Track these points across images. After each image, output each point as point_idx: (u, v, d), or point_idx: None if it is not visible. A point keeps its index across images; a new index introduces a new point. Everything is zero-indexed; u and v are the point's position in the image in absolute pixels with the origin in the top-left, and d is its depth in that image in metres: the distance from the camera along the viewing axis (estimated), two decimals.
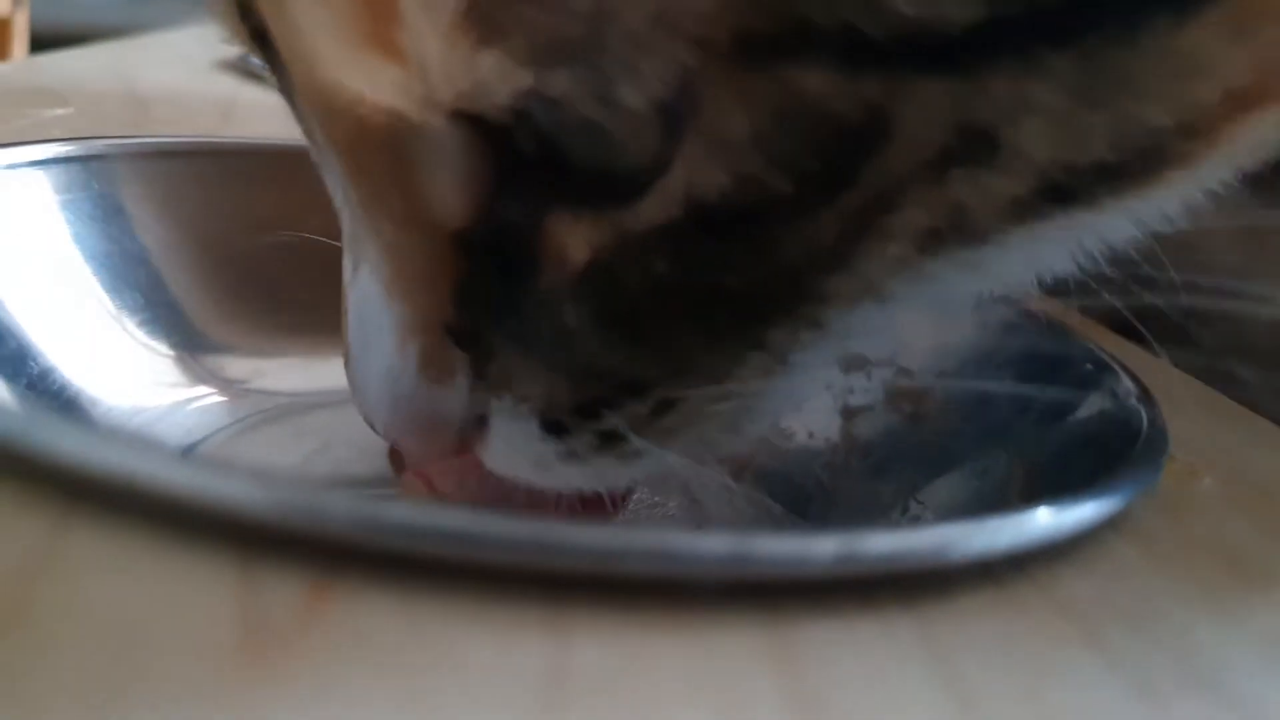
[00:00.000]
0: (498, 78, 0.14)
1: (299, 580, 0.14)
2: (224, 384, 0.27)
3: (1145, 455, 0.21)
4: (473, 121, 0.15)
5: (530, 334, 0.17)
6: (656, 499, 0.29)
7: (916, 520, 0.27)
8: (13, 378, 0.22)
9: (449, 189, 0.16)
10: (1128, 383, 0.25)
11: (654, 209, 0.15)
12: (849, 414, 0.31)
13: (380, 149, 0.16)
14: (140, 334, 0.26)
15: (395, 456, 0.28)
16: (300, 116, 0.18)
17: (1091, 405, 0.25)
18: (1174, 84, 0.15)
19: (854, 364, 0.32)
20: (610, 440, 0.18)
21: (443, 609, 0.14)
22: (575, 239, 0.16)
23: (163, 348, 0.27)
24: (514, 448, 0.19)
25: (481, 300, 0.18)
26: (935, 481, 0.27)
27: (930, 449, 0.28)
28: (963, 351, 0.30)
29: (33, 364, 0.23)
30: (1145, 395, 0.24)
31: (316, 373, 0.30)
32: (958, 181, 0.16)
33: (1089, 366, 0.26)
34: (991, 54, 0.14)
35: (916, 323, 0.32)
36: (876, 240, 0.16)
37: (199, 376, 0.27)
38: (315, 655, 0.13)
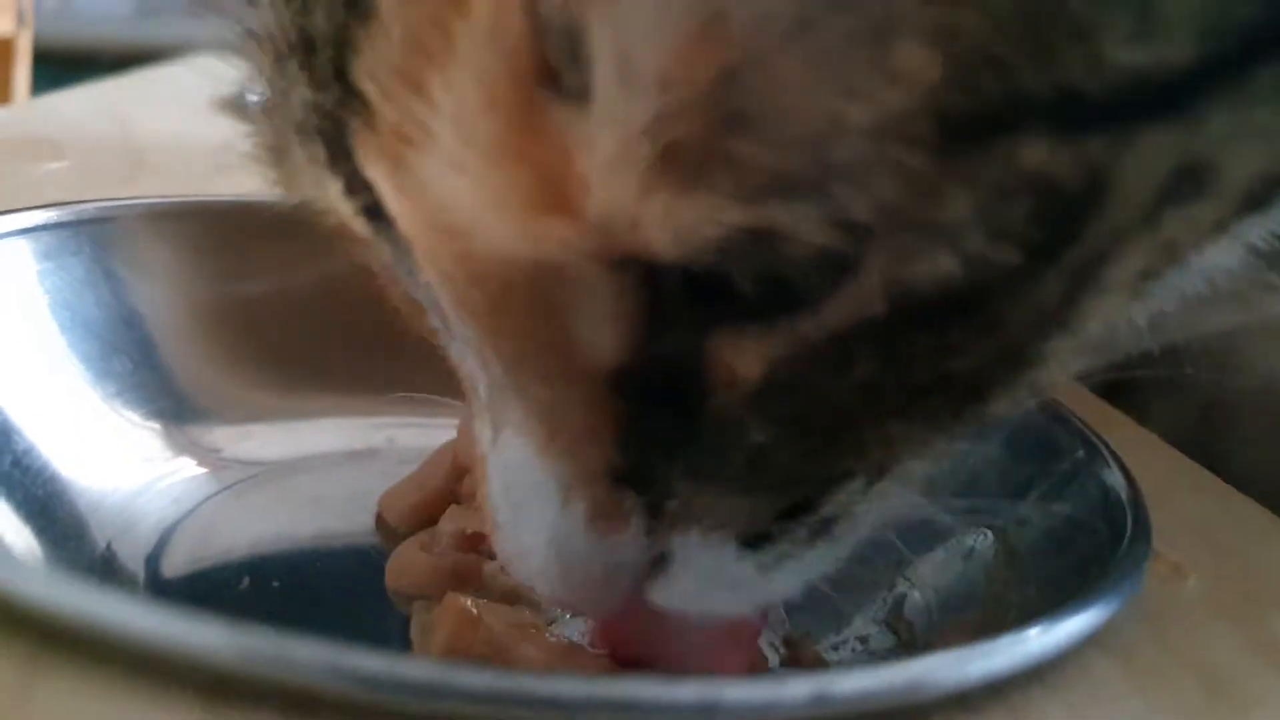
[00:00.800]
0: (703, 221, 0.14)
1: None
2: (207, 453, 0.27)
3: (1127, 564, 0.21)
4: (631, 265, 0.15)
5: (712, 462, 0.17)
6: None
7: (902, 600, 0.27)
8: None
9: (601, 332, 0.16)
10: (1117, 474, 0.24)
11: (843, 310, 0.15)
12: None
13: (529, 307, 0.16)
14: (120, 405, 0.26)
15: (381, 521, 0.28)
16: (414, 286, 0.17)
17: (1079, 495, 0.25)
18: None
19: None
20: (823, 528, 0.18)
21: None
22: (744, 356, 0.16)
23: (142, 419, 0.27)
24: (704, 576, 0.18)
25: (648, 440, 0.17)
26: (922, 559, 0.27)
27: (918, 523, 0.28)
28: None
29: (16, 442, 0.23)
30: (1134, 491, 0.24)
31: (300, 436, 0.30)
32: (1171, 220, 0.16)
33: (1080, 453, 0.26)
34: (1208, 88, 0.14)
35: None
36: (1096, 295, 0.16)
37: (180, 446, 0.27)
38: None
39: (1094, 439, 0.26)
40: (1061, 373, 0.17)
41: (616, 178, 0.14)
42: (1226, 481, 0.28)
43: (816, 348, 0.16)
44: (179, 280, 0.29)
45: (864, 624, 0.26)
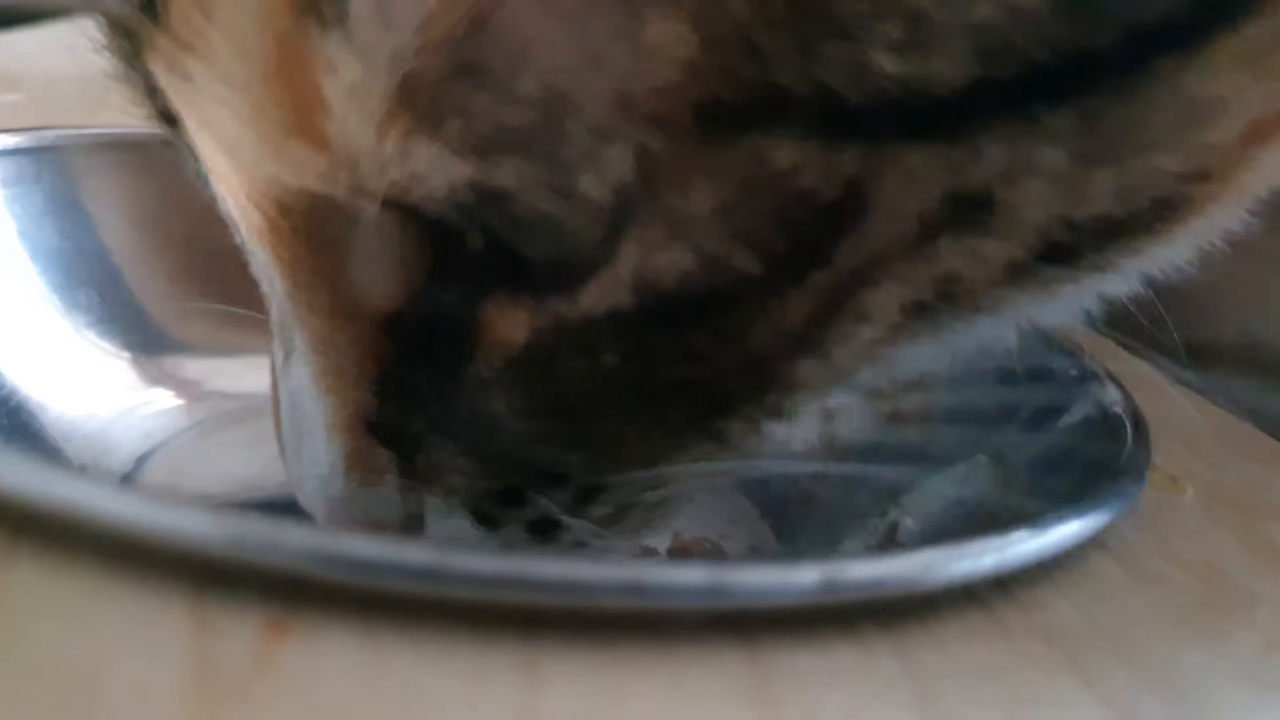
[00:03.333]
0: (433, 169, 0.13)
1: (254, 619, 0.13)
2: (181, 385, 0.26)
3: (1129, 470, 0.20)
4: (406, 209, 0.14)
5: (456, 423, 0.17)
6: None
7: (895, 527, 0.26)
8: None
9: (380, 275, 0.16)
10: (1113, 391, 0.24)
11: (596, 297, 0.15)
12: (828, 415, 0.31)
13: (306, 236, 0.15)
14: (93, 335, 0.25)
15: None
16: (219, 200, 0.17)
17: (1075, 413, 0.25)
18: (1184, 128, 0.14)
19: None
20: (543, 530, 0.17)
21: (406, 649, 0.13)
22: (515, 322, 0.15)
23: (117, 349, 0.26)
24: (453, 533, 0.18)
25: (407, 391, 0.17)
26: (915, 487, 0.27)
27: (910, 452, 0.28)
28: (945, 351, 0.29)
29: None
30: (1130, 404, 0.23)
31: None
32: (948, 252, 0.15)
33: (1074, 373, 0.26)
34: (984, 115, 0.13)
35: None
36: (851, 321, 0.15)
37: (155, 379, 0.26)
38: (270, 703, 0.12)
39: (1087, 360, 0.26)
40: (814, 399, 0.17)
41: (355, 108, 0.13)
42: None
43: (569, 331, 0.15)
44: (145, 212, 0.28)
45: (855, 550, 0.26)
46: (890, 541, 0.25)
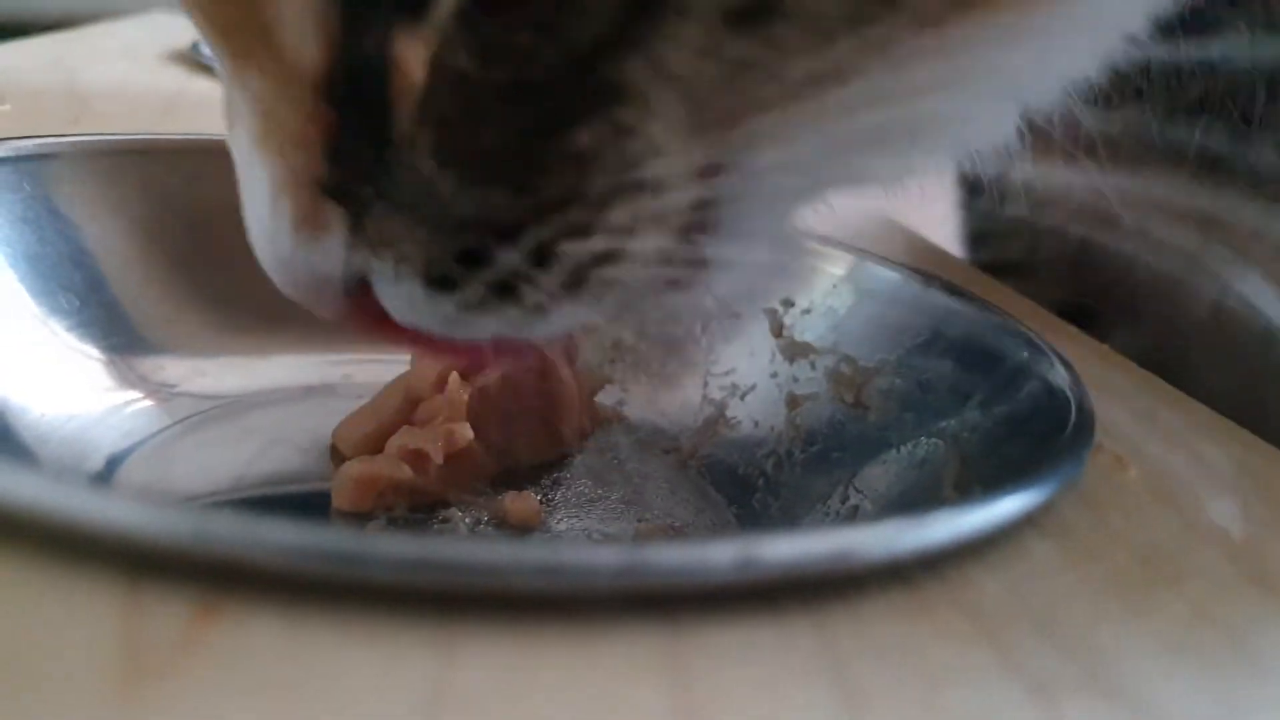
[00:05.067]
0: None
1: (185, 602, 0.14)
2: (159, 387, 0.27)
3: (1070, 448, 0.21)
4: None
5: (400, 189, 0.17)
6: (600, 490, 0.29)
7: (855, 510, 0.27)
8: None
9: (303, 32, 0.16)
10: (1061, 370, 0.25)
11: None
12: (793, 402, 0.31)
13: (236, 4, 0.16)
14: (71, 338, 0.26)
15: (335, 452, 0.28)
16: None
17: (1023, 391, 0.25)
18: None
19: (798, 351, 0.32)
20: (505, 293, 0.18)
21: (328, 629, 0.14)
22: (415, 59, 0.16)
23: (95, 351, 0.26)
24: (409, 307, 0.18)
25: (355, 157, 0.17)
26: (873, 470, 0.27)
27: (870, 438, 0.28)
28: (904, 338, 0.30)
29: None
30: (1076, 383, 0.24)
31: (256, 372, 0.30)
32: None
33: (1024, 354, 0.26)
34: None
35: (855, 309, 0.32)
36: (670, 15, 0.15)
37: (133, 380, 0.27)
38: (197, 679, 0.13)
39: (1038, 341, 0.26)
40: (661, 132, 0.17)
41: None
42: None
43: (441, 46, 0.16)
44: (124, 218, 0.29)
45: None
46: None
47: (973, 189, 0.45)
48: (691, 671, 0.15)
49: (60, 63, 0.42)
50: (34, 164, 0.27)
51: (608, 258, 0.18)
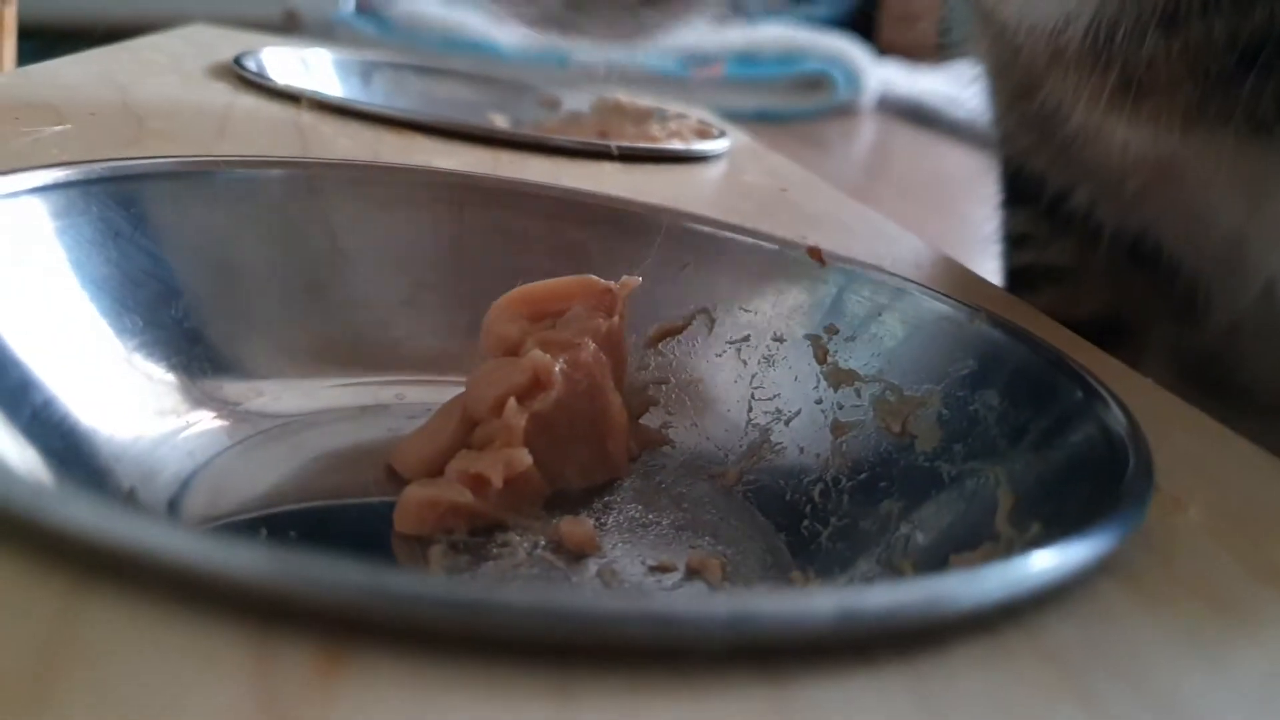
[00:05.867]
0: None
1: (312, 651, 0.14)
2: (223, 407, 0.28)
3: (1132, 493, 0.21)
4: None
5: None
6: (650, 515, 0.29)
7: (906, 541, 0.27)
8: (15, 410, 0.23)
9: None
10: (1117, 412, 0.25)
11: None
12: (839, 429, 0.32)
13: None
14: (139, 359, 0.26)
15: (391, 472, 0.28)
16: None
17: (1080, 434, 0.25)
18: None
19: (843, 379, 0.33)
20: None
21: (451, 678, 0.14)
22: None
23: (162, 373, 0.27)
24: None
25: None
26: (924, 503, 0.28)
27: (918, 467, 0.29)
28: (951, 369, 0.30)
29: (35, 395, 0.23)
30: (1133, 427, 0.24)
31: (312, 393, 0.30)
32: None
33: (1079, 394, 0.26)
34: None
35: (901, 338, 0.33)
36: None
37: (198, 401, 0.27)
38: None
39: (1092, 380, 0.27)
40: None
41: None
42: (1226, 403, 0.28)
43: None
44: (189, 240, 0.29)
45: (868, 566, 0.27)
46: (902, 557, 0.26)
47: (1017, 194, 0.45)
48: None
49: (111, 78, 0.42)
50: (101, 187, 0.27)
51: None
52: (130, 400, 0.26)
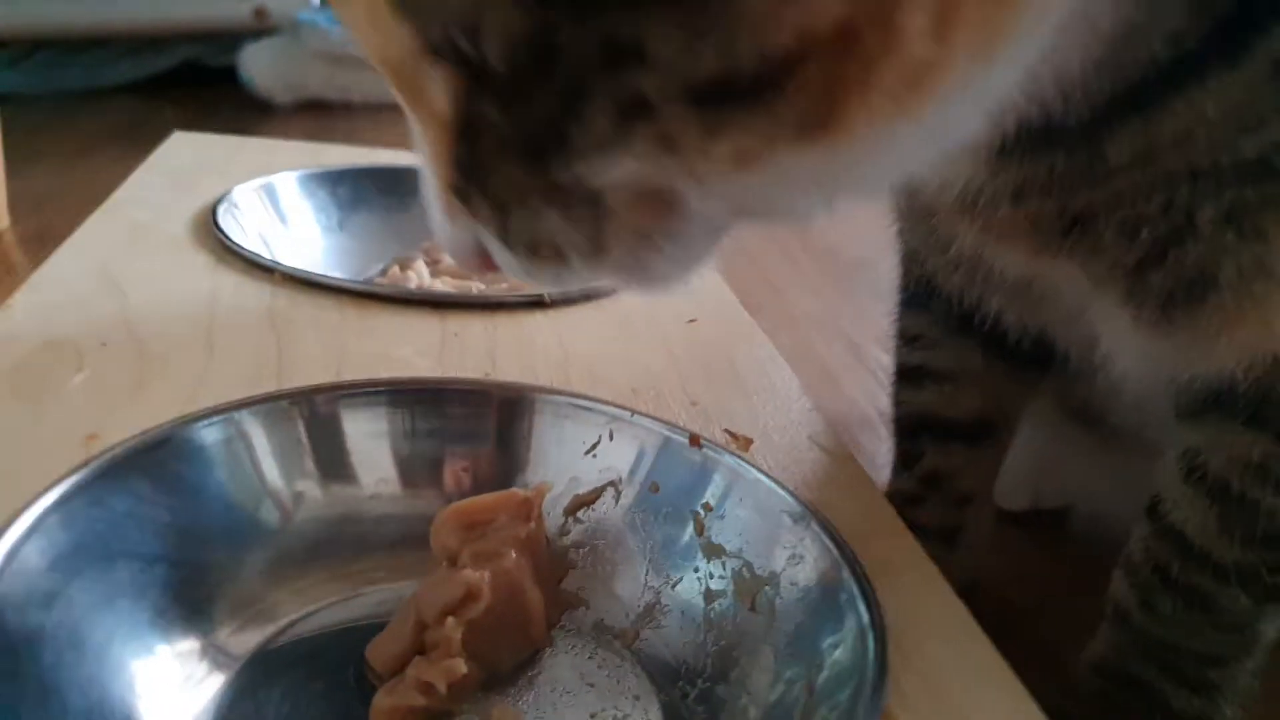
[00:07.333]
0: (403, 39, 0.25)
1: None
2: (221, 656, 0.38)
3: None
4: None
5: (486, 191, 0.27)
6: (564, 690, 0.39)
7: (745, 710, 0.37)
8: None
9: (439, 96, 0.26)
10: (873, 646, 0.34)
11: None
12: (710, 597, 0.41)
13: (404, 78, 0.26)
14: (161, 630, 0.36)
15: (368, 666, 0.38)
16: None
17: (848, 639, 0.34)
18: None
19: (714, 552, 0.42)
20: (538, 254, 0.27)
21: None
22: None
23: (185, 638, 0.37)
24: (505, 261, 0.28)
25: (466, 167, 0.27)
26: (757, 676, 0.37)
27: (760, 646, 0.38)
28: (784, 556, 0.39)
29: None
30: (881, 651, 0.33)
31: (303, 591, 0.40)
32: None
33: (862, 612, 0.35)
34: None
35: (755, 519, 0.41)
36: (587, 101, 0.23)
37: (208, 655, 0.37)
38: None
39: (873, 605, 0.35)
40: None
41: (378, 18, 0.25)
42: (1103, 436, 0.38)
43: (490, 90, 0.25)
44: (197, 497, 0.39)
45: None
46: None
47: (915, 297, 0.52)
48: None
49: (108, 276, 0.52)
50: (118, 470, 0.37)
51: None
52: (160, 671, 0.35)
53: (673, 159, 0.24)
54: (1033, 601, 0.58)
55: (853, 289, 0.93)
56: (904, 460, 0.55)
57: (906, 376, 0.54)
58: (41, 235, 0.86)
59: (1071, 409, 0.56)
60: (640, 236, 0.27)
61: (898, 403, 0.54)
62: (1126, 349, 0.41)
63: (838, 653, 0.35)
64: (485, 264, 0.29)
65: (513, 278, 0.29)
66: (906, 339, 0.53)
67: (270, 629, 0.39)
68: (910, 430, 0.54)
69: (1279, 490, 0.39)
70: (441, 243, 0.30)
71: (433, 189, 0.28)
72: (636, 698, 0.39)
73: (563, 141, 0.24)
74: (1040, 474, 0.64)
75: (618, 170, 0.25)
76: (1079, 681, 0.47)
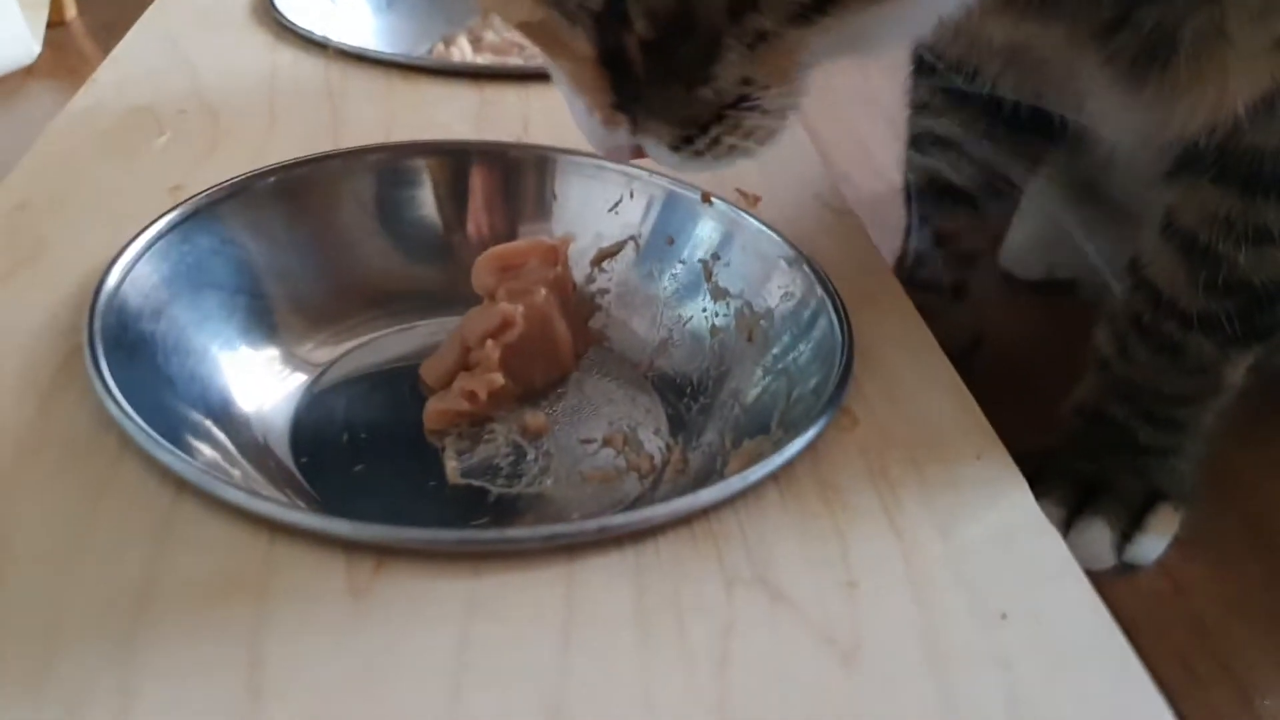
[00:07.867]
0: None
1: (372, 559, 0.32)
2: (305, 364, 0.45)
3: (813, 418, 0.37)
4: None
5: (651, 104, 0.35)
6: (587, 404, 0.45)
7: (738, 419, 0.43)
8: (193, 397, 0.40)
9: (580, 41, 0.34)
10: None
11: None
12: (714, 332, 0.46)
13: (548, 34, 0.34)
14: (248, 343, 0.43)
15: (421, 381, 0.45)
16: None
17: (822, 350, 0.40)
18: None
19: (719, 295, 0.47)
20: (717, 142, 0.35)
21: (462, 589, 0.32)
22: (632, 44, 0.33)
23: (265, 348, 0.44)
24: (659, 157, 0.36)
25: (624, 91, 0.35)
26: (750, 391, 0.43)
27: (752, 364, 0.44)
28: (780, 294, 0.44)
29: (211, 382, 0.41)
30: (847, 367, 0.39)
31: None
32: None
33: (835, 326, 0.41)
34: None
35: (756, 265, 0.46)
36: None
37: (289, 362, 0.44)
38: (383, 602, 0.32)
39: (845, 320, 0.41)
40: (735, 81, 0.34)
41: None
42: (1103, 211, 0.46)
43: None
44: (276, 238, 0.45)
45: (712, 436, 0.43)
46: (731, 430, 0.42)
47: (922, 63, 0.55)
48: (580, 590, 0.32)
49: (182, 57, 0.57)
50: (204, 215, 0.44)
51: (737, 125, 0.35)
52: (254, 374, 0.43)
53: (789, 58, 0.33)
54: (1033, 361, 0.63)
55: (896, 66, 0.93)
56: (915, 222, 0.59)
57: (915, 143, 0.57)
58: (108, 25, 0.91)
59: (1076, 185, 0.59)
60: (764, 113, 0.35)
61: (909, 168, 0.58)
62: (1108, 112, 0.44)
63: (812, 359, 0.41)
64: (636, 154, 0.37)
65: (664, 166, 0.37)
66: (916, 107, 0.57)
67: (340, 349, 0.46)
68: (919, 194, 0.58)
69: (1240, 243, 0.43)
70: (595, 146, 0.37)
71: (584, 107, 0.36)
72: (648, 410, 0.45)
73: (706, 71, 0.33)
74: (1051, 246, 0.68)
75: (748, 72, 0.33)
76: (1062, 424, 0.52)
